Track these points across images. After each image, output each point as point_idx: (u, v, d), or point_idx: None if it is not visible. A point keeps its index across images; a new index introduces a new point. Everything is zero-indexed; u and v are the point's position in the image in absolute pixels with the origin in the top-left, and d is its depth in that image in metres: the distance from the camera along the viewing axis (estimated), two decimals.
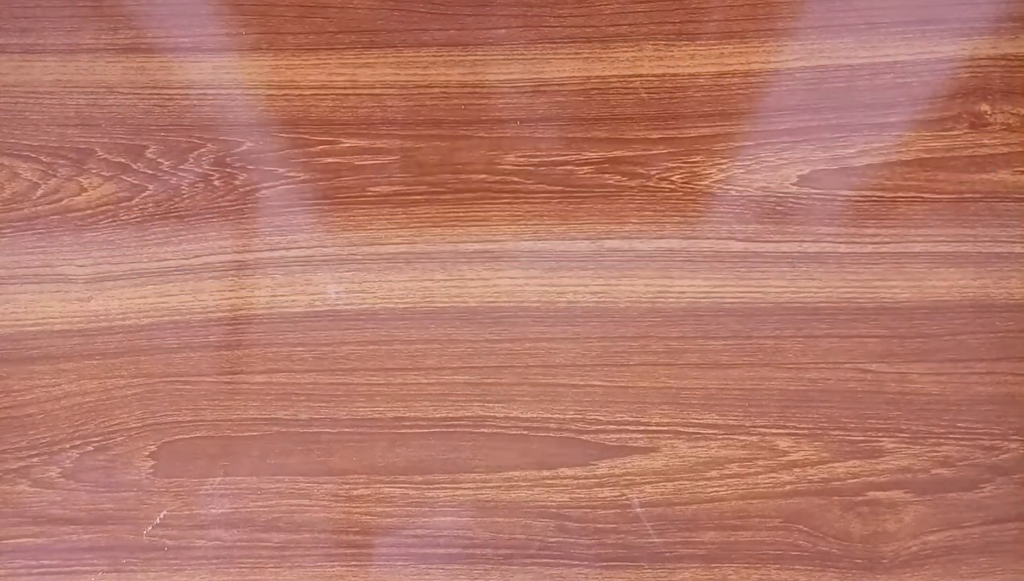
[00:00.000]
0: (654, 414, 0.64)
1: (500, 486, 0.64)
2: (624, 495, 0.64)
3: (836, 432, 0.64)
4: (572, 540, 0.63)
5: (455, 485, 0.64)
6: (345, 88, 0.66)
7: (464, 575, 0.63)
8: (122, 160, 0.66)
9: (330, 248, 0.66)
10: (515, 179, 0.66)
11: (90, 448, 0.65)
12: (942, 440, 0.64)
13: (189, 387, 0.65)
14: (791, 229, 0.65)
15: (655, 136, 0.66)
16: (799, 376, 0.64)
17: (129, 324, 0.65)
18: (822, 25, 0.66)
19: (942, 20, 0.65)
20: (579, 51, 0.66)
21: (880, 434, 0.64)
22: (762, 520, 0.63)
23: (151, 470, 0.64)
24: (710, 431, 0.64)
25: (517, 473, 0.64)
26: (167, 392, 0.65)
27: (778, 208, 0.65)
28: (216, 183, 0.66)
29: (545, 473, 0.64)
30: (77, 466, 0.64)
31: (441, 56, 0.66)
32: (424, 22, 0.67)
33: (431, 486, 0.64)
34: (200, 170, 0.66)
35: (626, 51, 0.66)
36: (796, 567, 0.63)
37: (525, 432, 0.64)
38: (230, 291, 0.65)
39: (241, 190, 0.66)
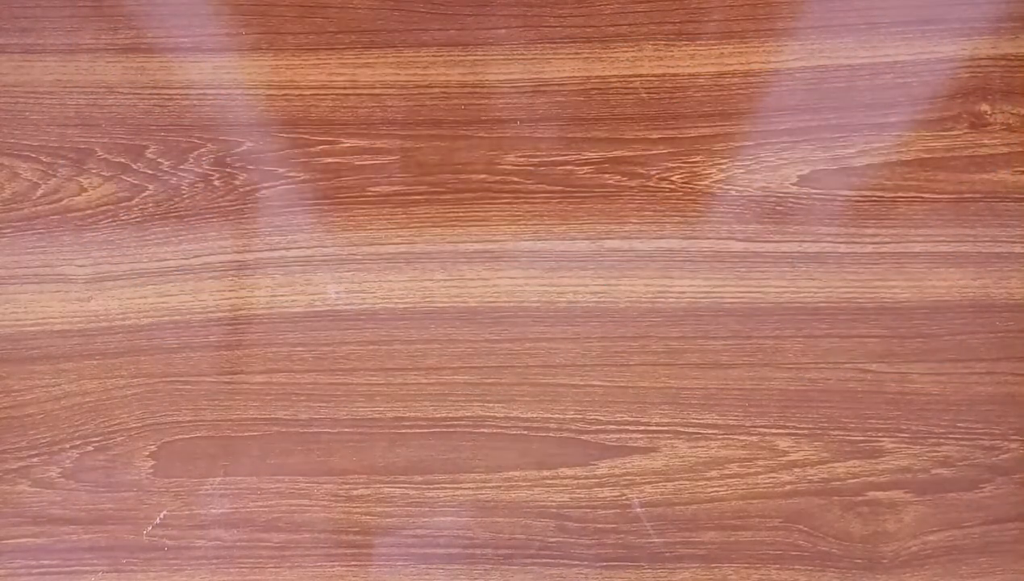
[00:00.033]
0: (654, 414, 0.64)
1: (500, 486, 0.64)
2: (624, 495, 0.64)
3: (836, 432, 0.64)
4: (572, 540, 0.63)
5: (455, 485, 0.64)
6: (345, 88, 0.66)
7: (464, 575, 0.63)
8: (122, 160, 0.66)
9: (330, 248, 0.66)
10: (515, 179, 0.66)
11: (90, 448, 0.65)
12: (942, 440, 0.64)
13: (189, 387, 0.65)
14: (791, 229, 0.65)
15: (655, 136, 0.66)
16: (799, 376, 0.64)
17: (129, 324, 0.65)
18: (822, 25, 0.66)
19: (942, 20, 0.65)
20: (579, 51, 0.66)
21: (880, 434, 0.64)
22: (762, 520, 0.63)
23: (151, 470, 0.64)
24: (710, 431, 0.64)
25: (517, 473, 0.64)
26: (167, 392, 0.65)
27: (778, 208, 0.65)
28: (216, 183, 0.66)
29: (545, 473, 0.64)
30: (77, 466, 0.64)
31: (441, 56, 0.66)
32: (424, 22, 0.67)
33: (431, 486, 0.64)
34: (200, 170, 0.66)
35: (626, 51, 0.66)
36: (796, 567, 0.63)
37: (525, 432, 0.64)
38: (230, 291, 0.65)
39: (241, 190, 0.66)
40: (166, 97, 0.67)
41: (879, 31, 0.66)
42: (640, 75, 0.66)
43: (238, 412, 0.65)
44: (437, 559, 0.64)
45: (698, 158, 0.65)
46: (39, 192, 0.66)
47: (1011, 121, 0.65)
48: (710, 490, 0.64)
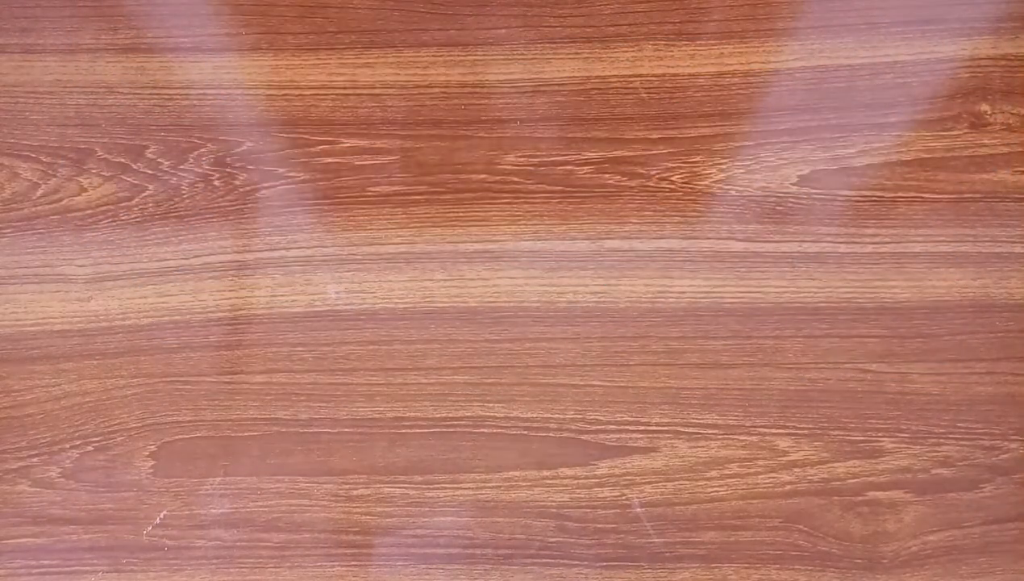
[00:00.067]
0: (654, 414, 0.64)
1: (500, 486, 0.64)
2: (624, 495, 0.64)
3: (836, 432, 0.64)
4: (572, 540, 0.63)
5: (455, 485, 0.64)
6: (345, 88, 0.66)
7: (464, 575, 0.63)
8: (122, 160, 0.66)
9: (330, 248, 0.66)
10: (515, 179, 0.66)
11: (90, 448, 0.65)
12: (942, 440, 0.64)
13: (189, 387, 0.65)
14: (791, 229, 0.65)
15: (655, 136, 0.66)
16: (799, 376, 0.64)
17: (129, 324, 0.65)
18: (822, 25, 0.66)
19: (942, 20, 0.65)
20: (579, 51, 0.66)
21: (880, 434, 0.64)
22: (762, 520, 0.63)
23: (151, 470, 0.64)
24: (710, 431, 0.64)
25: (517, 473, 0.64)
26: (167, 392, 0.65)
27: (778, 208, 0.65)
28: (216, 183, 0.66)
29: (545, 473, 0.64)
30: (77, 466, 0.64)
31: (441, 56, 0.66)
32: (424, 22, 0.67)
33: (431, 486, 0.64)
34: (200, 170, 0.66)
35: (626, 51, 0.66)
36: (796, 567, 0.63)
37: (525, 432, 0.64)
38: (230, 291, 0.65)
39: (241, 190, 0.66)
40: (166, 97, 0.67)
41: (879, 31, 0.66)
42: (640, 75, 0.66)
43: (238, 412, 0.65)
44: (437, 559, 0.64)
45: (698, 158, 0.65)
46: (39, 192, 0.66)
47: (1011, 121, 0.65)
48: (710, 490, 0.64)
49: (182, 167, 0.66)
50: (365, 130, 0.66)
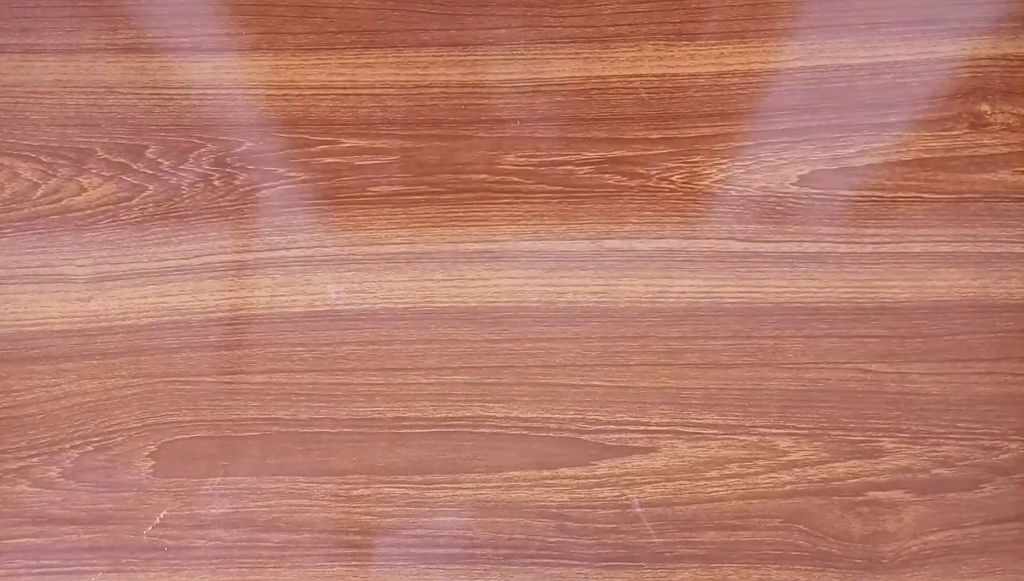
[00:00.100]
0: (654, 414, 0.64)
1: (500, 486, 0.64)
2: (624, 495, 0.64)
3: (836, 432, 0.64)
4: (572, 540, 0.63)
5: (455, 485, 0.64)
6: (345, 88, 0.66)
7: (464, 575, 0.63)
8: (122, 160, 0.66)
9: (330, 248, 0.66)
10: (515, 179, 0.66)
11: (90, 448, 0.65)
12: (942, 440, 0.64)
13: (189, 387, 0.65)
14: (791, 229, 0.65)
15: (655, 136, 0.66)
16: (799, 376, 0.64)
17: (129, 324, 0.65)
18: (822, 25, 0.66)
19: (942, 20, 0.65)
20: (579, 51, 0.66)
21: (880, 434, 0.64)
22: (762, 520, 0.63)
23: (151, 470, 0.64)
24: (710, 431, 0.64)
25: (517, 473, 0.64)
26: (167, 392, 0.65)
27: (778, 208, 0.65)
28: (216, 183, 0.66)
29: (545, 473, 0.64)
30: (77, 466, 0.64)
31: (441, 56, 0.66)
32: (424, 22, 0.67)
33: (431, 486, 0.64)
34: (200, 170, 0.66)
35: (626, 51, 0.66)
36: (796, 567, 0.63)
37: (525, 432, 0.64)
38: (230, 291, 0.65)
39: (241, 190, 0.66)
40: (166, 97, 0.67)
41: (879, 31, 0.66)
42: (640, 75, 0.66)
43: (238, 412, 0.65)
44: (437, 559, 0.64)
45: (698, 158, 0.65)
46: (39, 192, 0.66)
47: (1011, 121, 0.65)
48: (710, 490, 0.64)
49: (182, 167, 0.66)
50: (365, 130, 0.66)
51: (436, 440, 0.64)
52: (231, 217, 0.66)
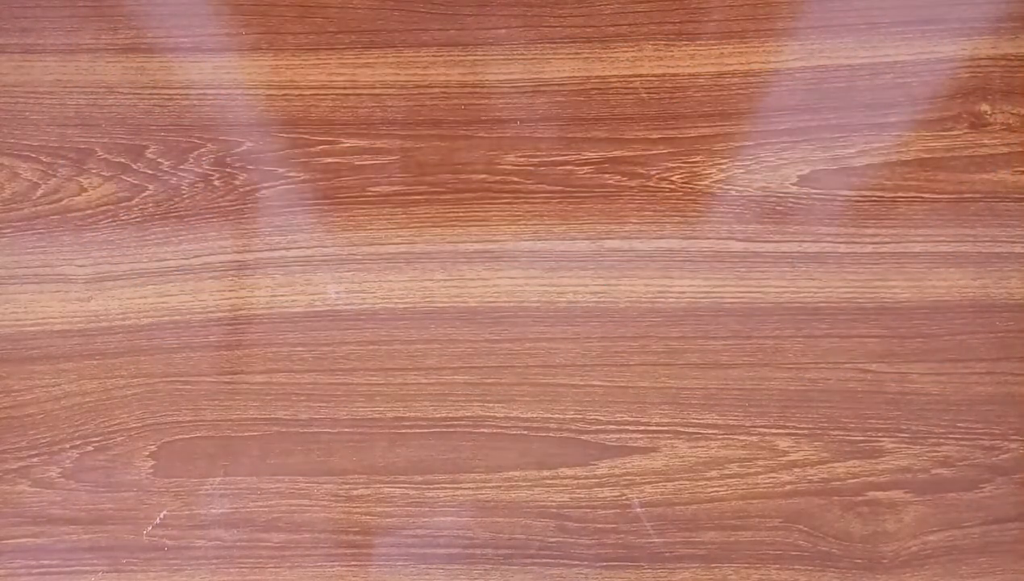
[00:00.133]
0: (654, 414, 0.64)
1: (500, 486, 0.64)
2: (624, 495, 0.64)
3: (836, 432, 0.64)
4: (572, 540, 0.63)
5: (455, 485, 0.64)
6: (345, 88, 0.66)
7: (464, 575, 0.63)
8: (122, 160, 0.66)
9: (330, 248, 0.66)
10: (515, 179, 0.66)
11: (90, 448, 0.65)
12: (942, 440, 0.64)
13: (189, 387, 0.65)
14: (791, 229, 0.65)
15: (655, 136, 0.66)
16: (799, 376, 0.64)
17: (129, 324, 0.65)
18: (822, 25, 0.66)
19: (942, 20, 0.65)
20: (579, 51, 0.66)
21: (880, 434, 0.64)
22: (762, 520, 0.63)
23: (151, 470, 0.64)
24: (710, 431, 0.64)
25: (517, 473, 0.64)
26: (167, 392, 0.65)
27: (778, 208, 0.65)
28: (216, 183, 0.66)
29: (545, 473, 0.64)
30: (77, 466, 0.64)
31: (441, 56, 0.66)
32: (424, 22, 0.67)
33: (431, 486, 0.64)
34: (200, 170, 0.66)
35: (626, 51, 0.66)
36: (796, 567, 0.63)
37: (525, 432, 0.64)
38: (230, 291, 0.65)
39: (241, 190, 0.66)
40: (166, 97, 0.67)
41: (879, 31, 0.66)
42: (640, 75, 0.66)
43: (238, 412, 0.65)
44: (437, 559, 0.64)
45: (698, 158, 0.65)
46: (39, 192, 0.66)
47: (1011, 121, 0.65)
48: (710, 490, 0.64)
49: (182, 167, 0.66)
50: (365, 130, 0.66)
51: (436, 440, 0.64)
52: (231, 217, 0.66)
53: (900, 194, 0.65)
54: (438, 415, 0.65)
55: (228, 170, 0.66)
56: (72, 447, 0.65)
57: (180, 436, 0.65)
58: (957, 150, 0.65)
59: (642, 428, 0.64)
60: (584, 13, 0.66)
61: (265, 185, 0.66)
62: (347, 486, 0.64)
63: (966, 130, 0.65)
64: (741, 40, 0.66)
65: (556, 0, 0.66)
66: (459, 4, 0.67)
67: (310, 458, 0.64)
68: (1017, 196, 0.65)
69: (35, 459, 0.65)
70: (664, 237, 0.65)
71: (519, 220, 0.65)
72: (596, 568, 0.63)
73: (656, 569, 0.63)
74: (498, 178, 0.66)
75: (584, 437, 0.64)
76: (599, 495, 0.64)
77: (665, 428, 0.64)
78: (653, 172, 0.65)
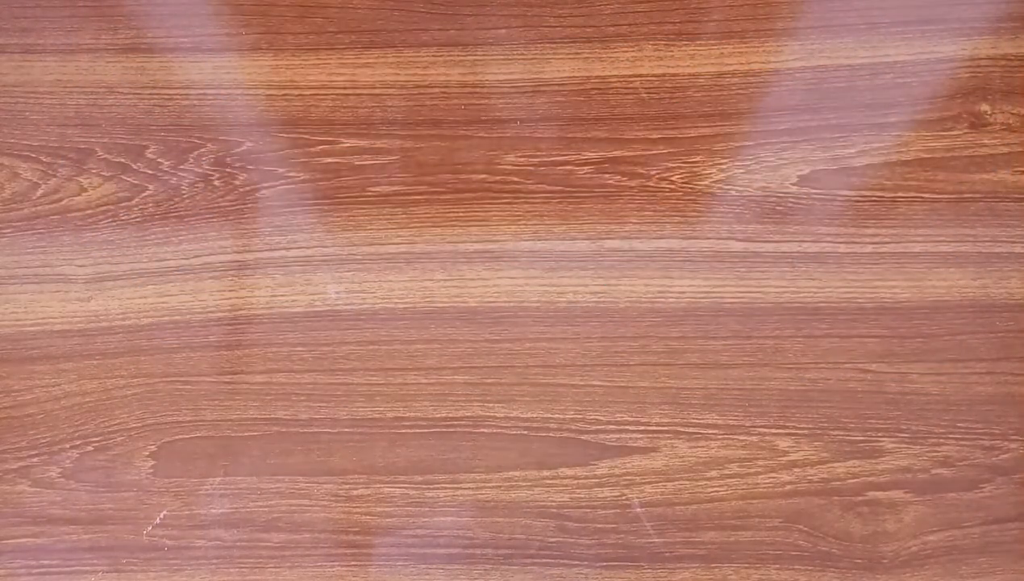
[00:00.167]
0: (654, 414, 0.64)
1: (500, 486, 0.64)
2: (624, 495, 0.64)
3: (836, 432, 0.64)
4: (572, 540, 0.63)
5: (455, 485, 0.64)
6: (345, 88, 0.66)
7: (464, 575, 0.63)
8: (122, 160, 0.66)
9: (330, 248, 0.66)
10: (515, 179, 0.66)
11: (90, 448, 0.65)
12: (942, 440, 0.64)
13: (189, 387, 0.65)
14: (791, 229, 0.65)
15: (655, 136, 0.66)
16: (799, 376, 0.64)
17: (129, 324, 0.65)
18: (822, 25, 0.66)
19: (942, 20, 0.65)
20: (579, 51, 0.66)
21: (880, 434, 0.64)
22: (762, 520, 0.63)
23: (151, 470, 0.64)
24: (710, 431, 0.64)
25: (517, 473, 0.64)
26: (167, 392, 0.65)
27: (778, 208, 0.65)
28: (216, 183, 0.66)
29: (545, 473, 0.64)
30: (77, 466, 0.64)
31: (441, 56, 0.66)
32: (424, 22, 0.67)
33: (431, 486, 0.64)
34: (200, 170, 0.66)
35: (626, 51, 0.66)
36: (796, 567, 0.63)
37: (525, 432, 0.64)
38: (230, 291, 0.65)
39: (241, 190, 0.66)
40: (166, 97, 0.67)
41: (879, 31, 0.66)
42: (640, 75, 0.66)
43: (238, 412, 0.65)
44: (437, 559, 0.64)
45: (698, 158, 0.65)
46: (39, 192, 0.66)
47: (1011, 121, 0.65)
48: (710, 490, 0.64)
49: (182, 167, 0.66)
50: (365, 130, 0.66)
51: (436, 440, 0.64)
52: (231, 217, 0.66)
53: (900, 194, 0.65)
54: (438, 415, 0.65)
55: (228, 170, 0.66)
56: (72, 447, 0.65)
57: (180, 436, 0.65)
58: (957, 150, 0.65)
59: (642, 428, 0.64)
60: (584, 13, 0.66)
61: (265, 185, 0.66)
62: (347, 486, 0.64)
63: (966, 130, 0.65)
64: (741, 40, 0.66)
65: (556, 0, 0.66)
66: (459, 4, 0.67)
67: (310, 458, 0.64)
68: (1017, 196, 0.65)
69: (35, 459, 0.65)
70: (664, 237, 0.65)
71: (519, 220, 0.65)
72: (596, 568, 0.63)
73: (656, 569, 0.63)
74: (498, 178, 0.66)
75: (584, 437, 0.64)
76: (599, 495, 0.64)
77: (665, 428, 0.64)
78: (653, 172, 0.66)
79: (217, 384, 0.65)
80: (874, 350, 0.64)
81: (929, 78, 0.65)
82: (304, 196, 0.66)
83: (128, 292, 0.65)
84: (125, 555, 0.64)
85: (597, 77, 0.66)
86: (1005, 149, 0.65)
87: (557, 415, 0.64)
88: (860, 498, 0.63)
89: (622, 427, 0.64)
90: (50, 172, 0.66)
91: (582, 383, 0.64)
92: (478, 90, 0.66)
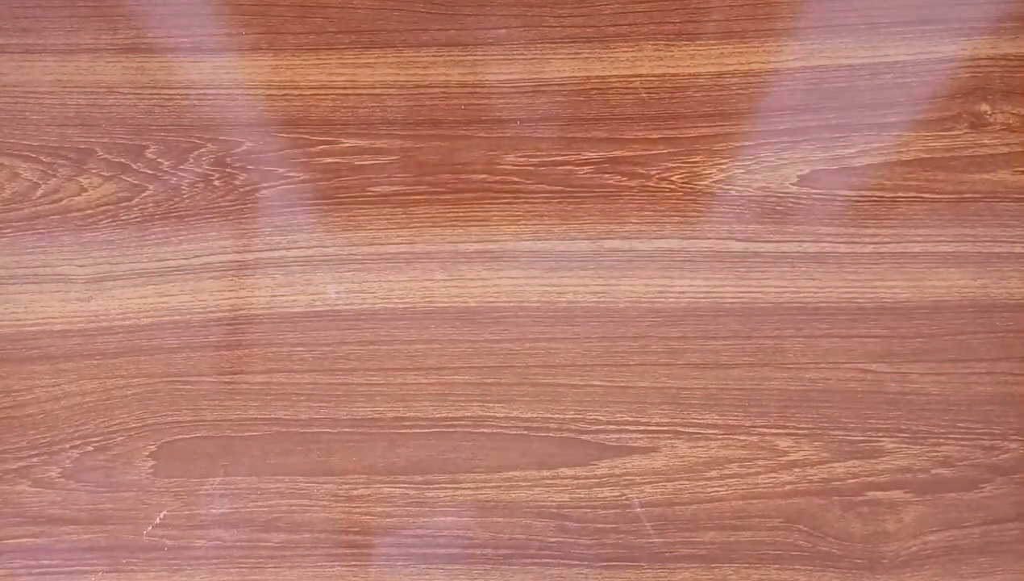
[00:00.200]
0: (654, 414, 0.64)
1: (500, 486, 0.64)
2: (624, 495, 0.64)
3: (836, 432, 0.64)
4: (572, 540, 0.63)
5: (455, 485, 0.64)
6: (345, 88, 0.66)
7: (464, 575, 0.63)
8: (122, 160, 0.66)
9: (330, 248, 0.66)
10: (515, 179, 0.66)
11: (90, 448, 0.65)
12: (942, 440, 0.64)
13: (189, 387, 0.65)
14: (791, 229, 0.65)
15: (655, 136, 0.66)
16: (799, 376, 0.64)
17: (129, 324, 0.65)
18: (822, 25, 0.66)
19: (942, 20, 0.65)
20: (579, 51, 0.66)
21: (880, 434, 0.64)
22: (762, 520, 0.63)
23: (151, 470, 0.64)
24: (710, 431, 0.64)
25: (517, 473, 0.64)
26: (167, 392, 0.65)
27: (778, 208, 0.65)
28: (216, 183, 0.66)
29: (545, 473, 0.64)
30: (77, 466, 0.64)
31: (441, 56, 0.66)
32: (424, 22, 0.67)
33: (431, 486, 0.64)
34: (200, 170, 0.66)
35: (626, 51, 0.66)
36: (796, 567, 0.63)
37: (525, 432, 0.64)
38: (230, 291, 0.65)
39: (241, 190, 0.66)
40: (166, 97, 0.67)
41: (879, 31, 0.66)
42: (640, 75, 0.66)
43: (238, 412, 0.65)
44: (437, 559, 0.64)
45: (698, 158, 0.65)
46: (39, 192, 0.66)
47: (1011, 121, 0.65)
48: (710, 490, 0.64)
49: (182, 167, 0.66)
50: (365, 130, 0.66)
51: (436, 440, 0.64)
52: (231, 217, 0.66)
53: (900, 194, 0.65)
54: (438, 415, 0.65)
55: (228, 170, 0.66)
56: (72, 447, 0.65)
57: (180, 436, 0.65)
58: (957, 150, 0.65)
59: (642, 428, 0.64)
60: (584, 13, 0.66)
61: (265, 185, 0.66)
62: (347, 486, 0.64)
63: (966, 130, 0.65)
64: (741, 40, 0.66)
65: (556, 0, 0.66)
66: (459, 4, 0.67)
67: (310, 458, 0.64)
68: (1017, 196, 0.65)
69: (35, 459, 0.65)
70: (664, 237, 0.65)
71: (519, 220, 0.65)
72: (596, 568, 0.63)
73: (656, 569, 0.63)
74: (498, 178, 0.66)
75: (584, 437, 0.64)
76: (599, 495, 0.64)
77: (665, 428, 0.64)
78: (653, 172, 0.66)
79: (217, 384, 0.65)
80: (874, 350, 0.64)
81: (929, 78, 0.65)
82: (304, 196, 0.66)
83: (128, 292, 0.65)
84: (125, 555, 0.64)
85: (597, 77, 0.66)
86: (1005, 149, 0.65)
87: (557, 415, 0.64)
88: (860, 498, 0.63)
89: (622, 427, 0.64)
90: (50, 172, 0.66)
91: (582, 383, 0.64)
92: (478, 90, 0.66)
